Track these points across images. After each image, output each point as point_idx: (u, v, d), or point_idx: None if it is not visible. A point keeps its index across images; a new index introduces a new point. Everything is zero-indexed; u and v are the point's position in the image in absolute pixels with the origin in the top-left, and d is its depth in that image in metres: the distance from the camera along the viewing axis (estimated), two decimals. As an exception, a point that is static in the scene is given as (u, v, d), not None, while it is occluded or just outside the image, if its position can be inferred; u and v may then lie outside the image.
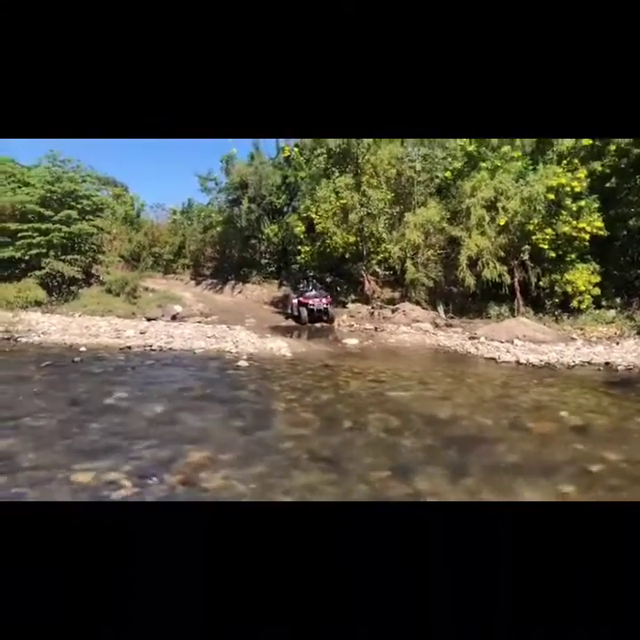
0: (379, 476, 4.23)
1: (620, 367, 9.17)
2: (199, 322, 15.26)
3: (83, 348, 10.00)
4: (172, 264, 29.22)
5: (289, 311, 17.77)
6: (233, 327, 13.48)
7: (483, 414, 6.14)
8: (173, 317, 15.77)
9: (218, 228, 27.37)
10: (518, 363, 9.68)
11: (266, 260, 24.96)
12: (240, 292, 24.42)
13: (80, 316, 14.47)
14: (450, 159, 18.15)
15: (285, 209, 24.37)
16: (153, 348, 10.34)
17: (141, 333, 11.69)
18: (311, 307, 16.36)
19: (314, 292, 17.07)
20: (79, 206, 17.25)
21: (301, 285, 17.94)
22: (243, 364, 8.87)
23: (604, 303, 14.56)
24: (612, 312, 14.13)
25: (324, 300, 16.66)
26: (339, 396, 6.91)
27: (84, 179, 18.35)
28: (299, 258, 20.45)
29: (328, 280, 16.81)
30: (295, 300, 17.21)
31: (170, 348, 10.34)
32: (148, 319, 14.84)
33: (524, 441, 5.19)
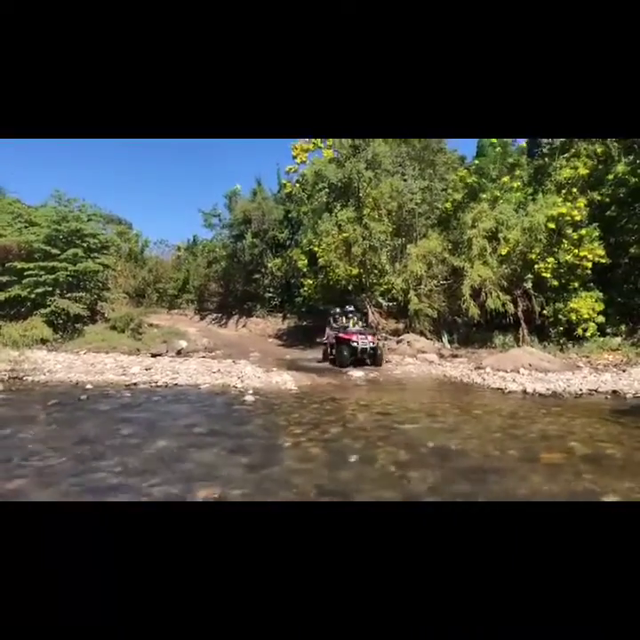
0: (389, 510, 4.18)
1: (628, 395, 9.12)
2: (204, 357, 15.29)
3: (89, 386, 10.02)
4: (176, 299, 29.54)
5: (324, 352, 15.11)
6: (238, 361, 13.50)
7: (492, 446, 6.08)
8: (178, 353, 15.80)
9: (222, 263, 27.74)
10: (525, 392, 9.63)
11: (269, 294, 25.19)
12: (244, 326, 24.57)
13: (85, 353, 14.52)
14: (450, 190, 18.40)
15: (288, 243, 24.73)
16: (158, 384, 10.35)
17: (146, 370, 11.71)
18: (354, 344, 13.38)
19: (357, 328, 14.40)
20: (85, 244, 17.54)
21: (339, 320, 15.04)
22: (249, 398, 8.85)
23: (608, 330, 14.58)
24: (618, 339, 14.12)
25: (369, 338, 13.74)
26: (346, 430, 6.87)
27: (90, 217, 18.65)
28: (302, 291, 20.59)
29: (331, 312, 16.23)
30: (332, 338, 14.46)
31: (175, 384, 10.34)
32: (153, 355, 14.87)
33: (534, 472, 5.12)
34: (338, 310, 15.55)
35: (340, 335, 13.91)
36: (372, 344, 13.60)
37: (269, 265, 24.22)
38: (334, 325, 14.87)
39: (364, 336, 13.64)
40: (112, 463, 5.32)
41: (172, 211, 72.16)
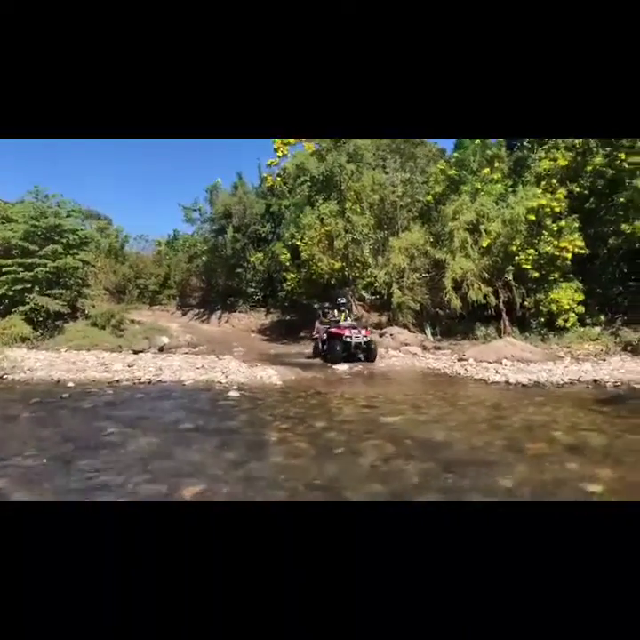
0: (377, 503, 4.19)
1: (608, 384, 9.26)
2: (187, 353, 15.18)
3: (70, 384, 9.88)
4: (157, 295, 29.27)
5: (315, 347, 14.43)
6: (222, 357, 13.41)
7: (477, 437, 6.14)
8: (161, 349, 15.68)
9: (203, 258, 27.54)
10: (508, 383, 9.73)
11: (252, 289, 25.05)
12: (227, 322, 24.43)
13: (66, 350, 14.30)
14: (430, 183, 18.45)
15: (270, 237, 24.60)
16: (141, 380, 10.24)
17: (129, 366, 11.59)
18: (347, 339, 12.79)
19: (349, 321, 13.72)
20: (64, 241, 17.23)
21: (329, 314, 14.38)
22: (233, 394, 8.81)
23: (588, 321, 14.75)
24: (597, 329, 14.30)
25: (363, 332, 13.15)
26: (332, 424, 6.87)
27: (69, 213, 18.36)
28: (285, 285, 20.53)
29: (316, 306, 15.91)
30: (323, 333, 13.81)
31: (159, 381, 10.25)
32: (135, 352, 14.70)
33: (520, 462, 5.17)
34: (327, 304, 14.95)
35: (332, 330, 13.31)
36: (365, 338, 13.01)
37: (251, 259, 24.09)
38: (324, 319, 14.34)
39: (357, 330, 13.03)
40: (96, 461, 5.26)
41: (151, 205, 71.44)
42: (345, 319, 13.85)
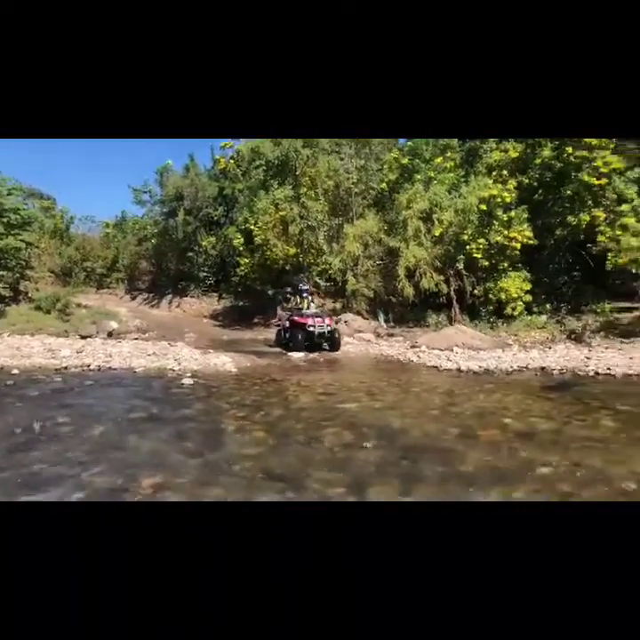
0: (336, 491, 4.21)
1: (554, 371, 9.61)
2: (137, 338, 14.83)
3: (15, 371, 9.48)
4: (105, 278, 28.46)
5: (277, 335, 13.91)
6: (173, 343, 13.15)
7: (431, 423, 6.25)
8: (109, 334, 15.27)
9: (153, 241, 26.86)
10: (459, 370, 9.95)
11: (204, 273, 24.61)
12: (178, 306, 24.00)
13: (9, 335, 13.73)
14: (385, 171, 18.54)
15: (223, 221, 24.19)
16: (91, 367, 9.95)
17: (77, 352, 11.22)
18: (310, 329, 12.35)
19: (313, 309, 13.16)
20: (4, 220, 16.43)
21: (291, 300, 13.77)
22: (187, 381, 8.67)
23: (535, 309, 15.24)
24: (544, 317, 14.80)
25: (326, 321, 12.63)
26: (289, 412, 6.86)
27: (10, 191, 17.50)
28: (238, 270, 20.28)
29: (270, 292, 15.60)
30: (285, 320, 13.26)
31: (109, 368, 9.97)
32: (83, 337, 14.25)
33: (473, 448, 5.30)
34: (289, 289, 14.26)
35: (295, 318, 12.77)
36: (329, 328, 12.56)
37: (203, 243, 23.65)
38: (286, 305, 13.84)
39: (320, 319, 12.53)
40: (47, 453, 5.07)
41: (97, 186, 69.06)
42: (307, 306, 13.32)
